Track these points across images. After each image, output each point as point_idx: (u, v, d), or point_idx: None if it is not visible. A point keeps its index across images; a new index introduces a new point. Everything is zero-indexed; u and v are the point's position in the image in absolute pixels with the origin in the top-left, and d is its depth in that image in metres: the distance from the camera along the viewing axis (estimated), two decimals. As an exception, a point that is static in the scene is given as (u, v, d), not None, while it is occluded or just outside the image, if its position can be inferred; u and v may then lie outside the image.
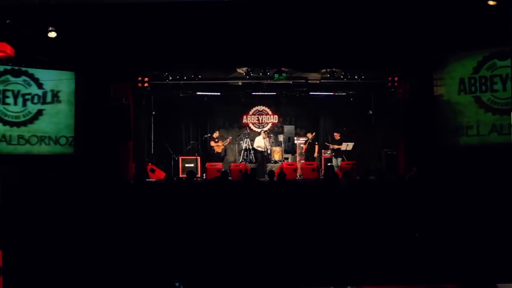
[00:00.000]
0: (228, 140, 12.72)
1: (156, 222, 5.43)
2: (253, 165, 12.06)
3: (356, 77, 11.62)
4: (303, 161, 12.49)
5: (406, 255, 4.53)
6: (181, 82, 11.59)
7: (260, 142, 12.56)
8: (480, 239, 4.77)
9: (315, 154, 12.47)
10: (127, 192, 7.32)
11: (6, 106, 10.05)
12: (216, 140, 12.55)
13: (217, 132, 12.69)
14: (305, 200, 6.55)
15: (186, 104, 13.43)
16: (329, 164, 12.25)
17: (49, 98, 10.39)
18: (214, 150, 12.50)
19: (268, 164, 12.39)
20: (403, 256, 4.48)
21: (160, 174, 11.48)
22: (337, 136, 12.46)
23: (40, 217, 5.88)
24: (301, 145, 12.88)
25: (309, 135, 12.58)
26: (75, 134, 10.46)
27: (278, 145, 13.17)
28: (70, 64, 10.32)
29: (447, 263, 4.33)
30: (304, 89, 12.90)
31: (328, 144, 12.74)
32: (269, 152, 12.69)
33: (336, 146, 12.25)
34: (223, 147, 12.63)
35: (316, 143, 12.68)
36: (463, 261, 4.30)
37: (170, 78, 11.42)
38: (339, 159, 12.08)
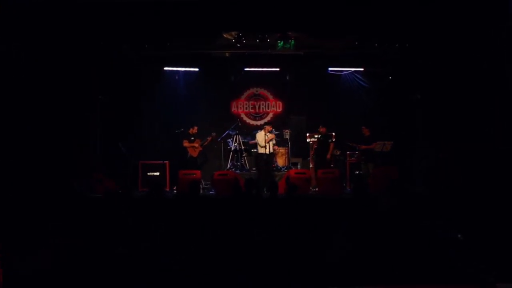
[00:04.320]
0: (210, 138, 10.81)
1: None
2: (246, 174, 10.50)
3: (397, 45, 10.18)
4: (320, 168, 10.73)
5: None
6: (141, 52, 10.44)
7: (261, 140, 10.59)
8: None
9: (328, 156, 10.80)
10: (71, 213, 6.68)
11: None
12: (192, 138, 10.57)
13: (195, 127, 10.73)
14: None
15: (149, 84, 11.73)
16: (357, 172, 10.83)
17: None
18: (187, 153, 10.66)
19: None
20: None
21: (110, 186, 9.85)
22: (366, 131, 10.78)
23: None
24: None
25: (322, 129, 10.92)
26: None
27: (283, 145, 11.51)
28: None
29: None
30: (321, 63, 11.57)
31: (354, 144, 10.99)
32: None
33: (364, 146, 10.69)
34: (201, 149, 10.70)
35: (330, 141, 10.94)
36: None
37: (125, 46, 10.20)
38: (371, 165, 10.55)
